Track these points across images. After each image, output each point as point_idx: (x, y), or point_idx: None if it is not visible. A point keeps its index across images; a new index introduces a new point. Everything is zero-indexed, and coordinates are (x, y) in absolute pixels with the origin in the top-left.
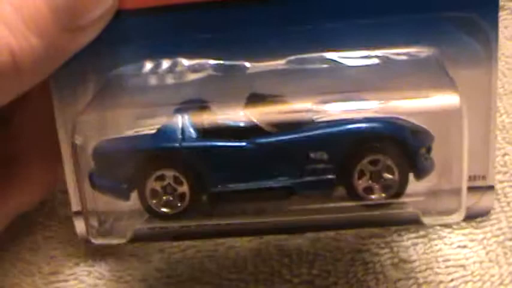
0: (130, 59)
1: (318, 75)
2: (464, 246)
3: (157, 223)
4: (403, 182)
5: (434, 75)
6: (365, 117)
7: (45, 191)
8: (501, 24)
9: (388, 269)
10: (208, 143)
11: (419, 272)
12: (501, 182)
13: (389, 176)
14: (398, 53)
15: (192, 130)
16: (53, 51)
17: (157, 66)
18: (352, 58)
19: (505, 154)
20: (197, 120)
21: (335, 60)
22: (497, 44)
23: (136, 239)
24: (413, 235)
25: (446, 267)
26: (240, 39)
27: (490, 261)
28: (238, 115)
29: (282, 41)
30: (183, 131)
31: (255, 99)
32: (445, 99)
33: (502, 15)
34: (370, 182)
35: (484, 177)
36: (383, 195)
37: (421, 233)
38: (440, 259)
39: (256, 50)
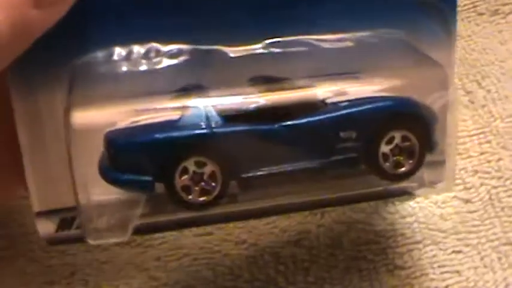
0: (100, 45)
1: (299, 58)
2: (459, 252)
3: (184, 213)
4: (422, 158)
5: (412, 54)
6: (384, 96)
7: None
8: (495, 29)
9: (383, 276)
10: (241, 128)
11: (415, 278)
12: (495, 187)
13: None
14: (370, 35)
15: (216, 116)
16: (21, 31)
17: (131, 52)
18: (331, 41)
19: (499, 159)
20: (218, 105)
21: (315, 44)
22: (456, 28)
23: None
24: (408, 241)
25: (441, 273)
26: (215, 23)
27: (485, 266)
28: (254, 99)
29: (258, 25)
30: (207, 117)
31: (260, 81)
32: (432, 74)
33: (496, 19)
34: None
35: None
36: (402, 169)
37: (417, 238)
38: (435, 265)
39: (232, 34)
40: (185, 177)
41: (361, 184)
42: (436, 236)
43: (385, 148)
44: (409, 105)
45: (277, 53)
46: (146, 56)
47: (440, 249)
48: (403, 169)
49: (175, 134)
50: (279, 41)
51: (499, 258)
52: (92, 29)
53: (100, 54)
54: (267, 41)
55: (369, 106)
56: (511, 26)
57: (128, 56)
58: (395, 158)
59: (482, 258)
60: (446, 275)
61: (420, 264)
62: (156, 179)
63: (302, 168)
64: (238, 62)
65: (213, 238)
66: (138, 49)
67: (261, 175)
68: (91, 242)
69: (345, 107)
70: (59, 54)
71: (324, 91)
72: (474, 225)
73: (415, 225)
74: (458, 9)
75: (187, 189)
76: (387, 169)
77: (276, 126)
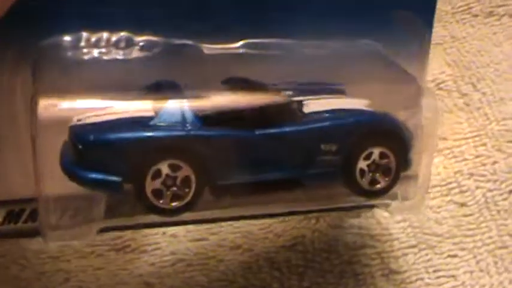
0: (66, 30)
1: (275, 62)
2: (455, 256)
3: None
4: (397, 176)
5: (388, 67)
6: (365, 110)
7: None
8: (489, 31)
9: (378, 281)
10: (220, 132)
11: (410, 282)
12: (491, 190)
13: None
14: (348, 45)
15: (193, 116)
16: None
17: (100, 39)
18: (309, 47)
19: (494, 162)
20: (195, 106)
21: (292, 48)
22: (430, 41)
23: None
24: (403, 245)
25: (437, 277)
26: (193, 18)
27: (481, 270)
28: (232, 101)
29: (238, 24)
30: (183, 117)
31: (235, 83)
32: (406, 88)
33: (490, 21)
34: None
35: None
36: (378, 186)
37: (412, 242)
38: (430, 269)
39: (210, 31)
40: (157, 180)
41: (335, 198)
42: (431, 240)
43: (362, 164)
44: (389, 121)
45: (254, 54)
46: (117, 45)
47: (436, 253)
48: (378, 186)
49: (151, 133)
50: (256, 43)
51: (495, 262)
52: (61, 9)
53: (68, 39)
54: (245, 41)
55: (352, 119)
56: (506, 28)
57: (97, 43)
58: (371, 175)
59: (478, 262)
60: (441, 280)
61: (415, 268)
62: (125, 181)
63: (280, 179)
64: (213, 60)
65: (207, 243)
66: (108, 37)
67: (236, 183)
68: (50, 242)
69: (327, 119)
70: (23, 34)
71: (299, 99)
72: (470, 229)
73: (410, 229)
74: (453, 10)
75: (158, 193)
76: (363, 185)
77: (257, 133)
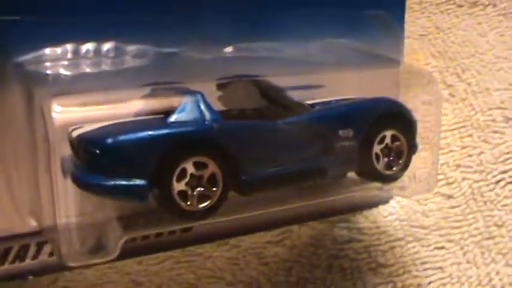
0: (52, 40)
1: (266, 63)
2: (442, 248)
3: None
4: (409, 160)
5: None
6: (376, 97)
7: None
8: (474, 21)
9: (366, 275)
10: (244, 123)
11: (397, 275)
12: (477, 181)
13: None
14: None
15: (211, 111)
16: None
17: (88, 49)
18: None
19: (480, 153)
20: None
21: (280, 49)
22: (404, 39)
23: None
24: (390, 238)
25: (424, 269)
26: (183, 24)
27: (468, 262)
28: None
29: (228, 28)
30: (202, 113)
31: (236, 79)
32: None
33: (475, 11)
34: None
35: None
36: (393, 169)
37: (399, 235)
38: (417, 262)
39: (200, 37)
40: (182, 181)
41: (353, 186)
42: (418, 233)
43: (377, 148)
44: (398, 105)
45: (245, 56)
46: (107, 54)
47: (423, 245)
48: (394, 169)
49: (174, 130)
50: (246, 45)
51: (482, 253)
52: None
53: (55, 51)
54: (235, 45)
55: (366, 104)
56: (491, 18)
57: (86, 53)
58: (385, 159)
59: (465, 254)
60: (429, 272)
61: (403, 261)
62: (151, 184)
63: (304, 170)
64: (204, 65)
65: None
66: (97, 47)
67: (263, 177)
68: (72, 264)
69: (342, 105)
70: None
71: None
72: (457, 221)
73: (397, 222)
74: (438, 1)
75: (184, 195)
76: (380, 170)
77: (278, 122)
